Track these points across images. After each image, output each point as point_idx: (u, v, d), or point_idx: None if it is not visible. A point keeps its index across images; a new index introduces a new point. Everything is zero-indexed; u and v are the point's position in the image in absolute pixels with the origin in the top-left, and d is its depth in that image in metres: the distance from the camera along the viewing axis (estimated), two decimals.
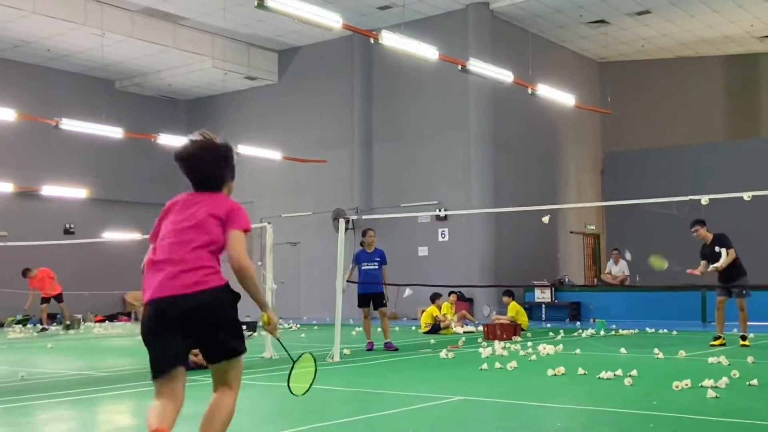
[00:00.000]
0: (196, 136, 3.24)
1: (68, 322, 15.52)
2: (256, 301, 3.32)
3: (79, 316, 18.26)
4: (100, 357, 10.03)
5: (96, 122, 16.31)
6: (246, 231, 3.26)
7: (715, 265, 9.17)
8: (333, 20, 10.38)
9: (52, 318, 17.11)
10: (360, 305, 10.00)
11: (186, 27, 18.94)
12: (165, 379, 3.33)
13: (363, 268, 9.85)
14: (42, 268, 15.25)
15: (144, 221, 21.66)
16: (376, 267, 9.84)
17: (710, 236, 9.34)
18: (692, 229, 9.43)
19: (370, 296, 9.84)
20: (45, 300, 15.30)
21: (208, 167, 3.21)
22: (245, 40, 20.21)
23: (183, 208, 3.22)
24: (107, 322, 19.10)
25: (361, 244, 10.07)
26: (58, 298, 15.42)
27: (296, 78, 21.03)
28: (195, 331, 3.18)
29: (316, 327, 15.38)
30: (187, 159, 3.20)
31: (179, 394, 3.35)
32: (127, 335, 14.15)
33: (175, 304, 3.09)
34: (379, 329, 10.25)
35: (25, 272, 15.03)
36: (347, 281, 9.55)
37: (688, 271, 9.38)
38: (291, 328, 15.13)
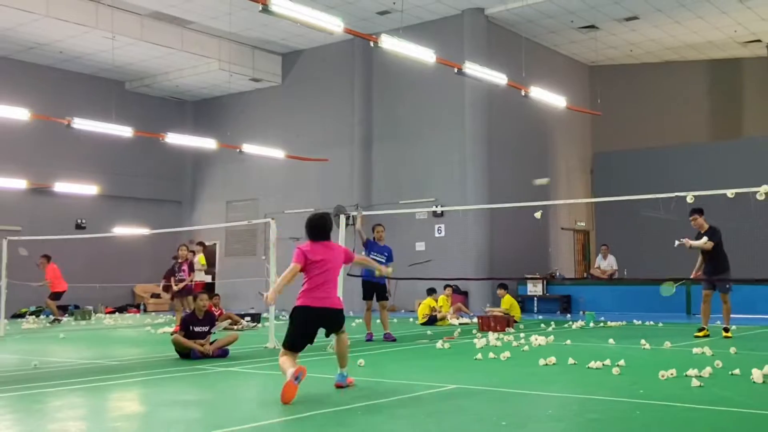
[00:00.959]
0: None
1: (57, 318, 15.34)
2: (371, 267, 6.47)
3: (90, 307, 18.27)
4: (110, 347, 10.03)
5: (106, 122, 16.28)
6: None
7: (692, 241, 9.21)
8: (334, 24, 10.35)
9: (64, 309, 17.09)
10: (364, 297, 9.94)
11: (193, 30, 18.89)
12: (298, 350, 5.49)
13: (372, 256, 9.84)
14: (53, 264, 15.15)
15: (152, 217, 21.88)
16: (383, 260, 9.84)
17: (706, 226, 9.38)
18: (690, 217, 9.44)
19: (374, 286, 9.80)
20: (54, 296, 15.20)
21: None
22: (250, 43, 20.17)
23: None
24: (117, 313, 19.10)
25: (373, 238, 10.07)
26: (57, 295, 15.14)
27: (299, 80, 21.00)
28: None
29: None
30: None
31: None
32: (136, 326, 14.14)
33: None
34: (378, 321, 10.25)
35: (46, 258, 14.99)
36: (358, 276, 9.54)
37: (677, 242, 9.35)
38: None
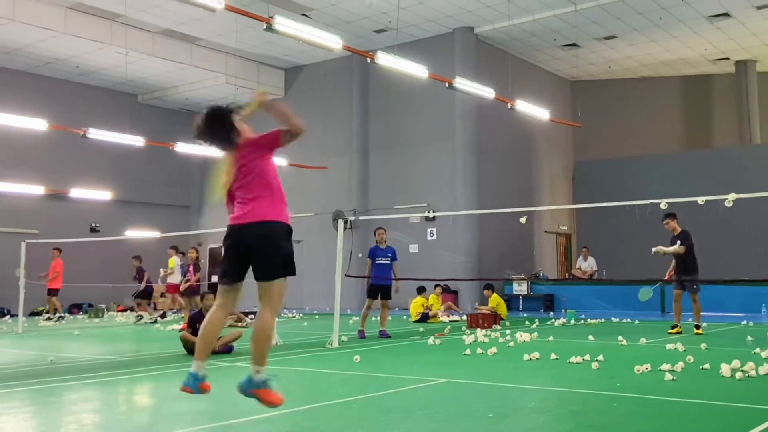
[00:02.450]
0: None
1: (49, 316, 15.17)
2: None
3: (103, 306, 18.20)
4: (122, 343, 9.98)
5: (120, 132, 16.24)
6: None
7: (665, 248, 9.25)
8: (334, 42, 10.37)
9: (78, 308, 17.00)
10: (369, 296, 9.87)
11: (202, 47, 18.89)
12: (227, 288, 3.90)
13: (377, 262, 9.82)
14: (59, 260, 14.97)
15: (162, 221, 21.81)
16: (388, 262, 9.84)
17: (679, 230, 9.41)
18: (664, 221, 9.47)
19: (380, 287, 9.78)
20: (52, 293, 15.03)
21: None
22: (255, 59, 20.16)
23: None
24: (129, 311, 19.00)
25: (376, 242, 10.06)
26: (55, 292, 14.92)
27: (301, 93, 20.99)
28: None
29: (317, 316, 15.35)
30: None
31: (231, 305, 3.94)
32: (147, 324, 14.08)
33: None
34: (374, 318, 10.23)
35: (56, 250, 14.89)
36: (361, 276, 9.51)
37: (654, 249, 9.38)
38: (295, 317, 15.10)
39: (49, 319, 14.85)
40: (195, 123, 3.96)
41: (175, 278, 15.21)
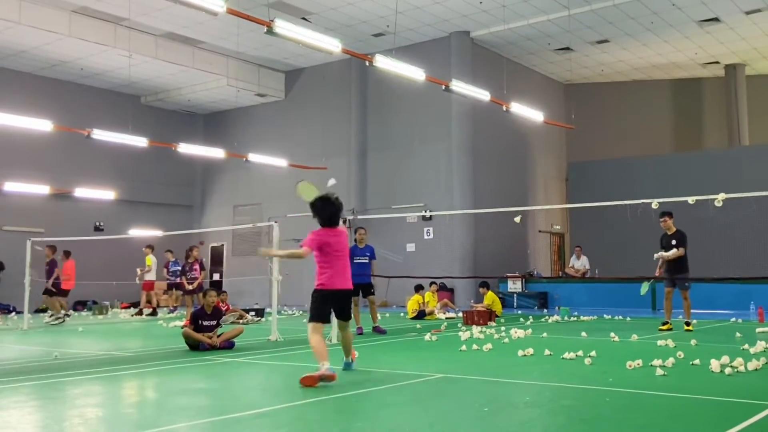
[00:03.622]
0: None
1: (51, 314, 15.00)
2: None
3: (107, 303, 18.16)
4: (126, 339, 9.96)
5: (123, 133, 16.21)
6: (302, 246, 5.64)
7: (664, 253, 9.22)
8: (333, 45, 10.36)
9: (83, 305, 16.95)
10: (363, 294, 9.83)
11: (203, 50, 18.86)
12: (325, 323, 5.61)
13: (355, 261, 9.81)
14: (71, 261, 14.81)
15: (165, 220, 21.79)
16: (366, 261, 9.84)
17: (674, 229, 9.37)
18: (661, 219, 9.43)
19: (360, 286, 9.77)
20: (63, 293, 14.84)
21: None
22: (256, 61, 20.15)
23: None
24: (132, 308, 18.97)
25: (355, 241, 10.06)
26: (64, 292, 14.26)
27: (300, 95, 20.98)
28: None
29: None
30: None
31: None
32: (149, 320, 14.06)
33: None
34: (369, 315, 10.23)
35: (66, 254, 14.73)
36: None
37: (656, 255, 9.37)
38: (294, 314, 15.09)
39: (57, 318, 14.73)
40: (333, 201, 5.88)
41: (151, 275, 15.20)
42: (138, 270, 15.58)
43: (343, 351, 5.79)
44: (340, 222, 5.82)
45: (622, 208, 10.43)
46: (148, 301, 15.86)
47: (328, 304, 5.56)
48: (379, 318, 10.25)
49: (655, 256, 9.28)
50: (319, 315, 5.50)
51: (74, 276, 14.53)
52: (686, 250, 9.29)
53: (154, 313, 15.33)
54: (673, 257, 9.18)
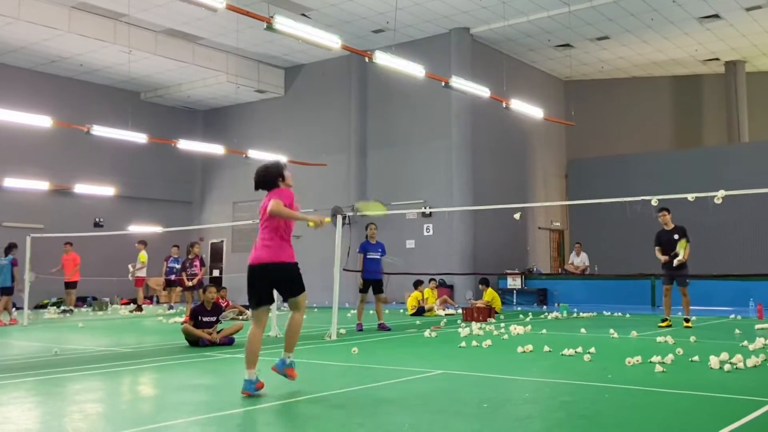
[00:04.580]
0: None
1: (66, 308, 15.18)
2: (299, 220, 4.75)
3: (107, 299, 18.16)
4: (125, 335, 9.97)
5: (123, 129, 16.20)
6: (282, 201, 4.57)
7: (679, 258, 9.12)
8: (333, 42, 10.34)
9: (83, 301, 16.96)
10: (362, 290, 9.83)
11: (203, 46, 18.82)
12: (258, 310, 4.69)
13: (368, 257, 9.80)
14: (74, 253, 14.96)
15: (164, 216, 21.78)
16: (379, 257, 9.83)
17: (672, 224, 9.36)
18: (659, 213, 9.41)
19: (373, 282, 9.76)
20: (69, 286, 14.99)
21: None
22: (255, 58, 20.11)
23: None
24: (132, 304, 18.98)
25: (366, 237, 10.03)
26: (72, 285, 14.81)
27: (300, 92, 20.95)
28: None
29: (316, 309, 15.35)
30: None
31: (265, 321, 4.77)
32: (149, 316, 14.06)
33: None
34: (371, 312, 10.23)
35: (66, 245, 14.85)
36: (356, 270, 9.50)
37: (675, 261, 9.21)
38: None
39: (69, 311, 14.90)
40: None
41: (143, 272, 15.22)
42: (130, 266, 15.59)
43: (285, 344, 4.76)
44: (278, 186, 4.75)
45: (621, 205, 10.43)
46: (137, 299, 15.89)
47: (255, 284, 4.64)
48: (384, 313, 10.23)
49: (675, 261, 9.08)
50: (250, 300, 4.65)
51: (75, 268, 14.63)
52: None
53: (139, 309, 15.36)
54: (688, 255, 9.11)
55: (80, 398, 4.75)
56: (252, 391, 4.48)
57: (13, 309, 13.02)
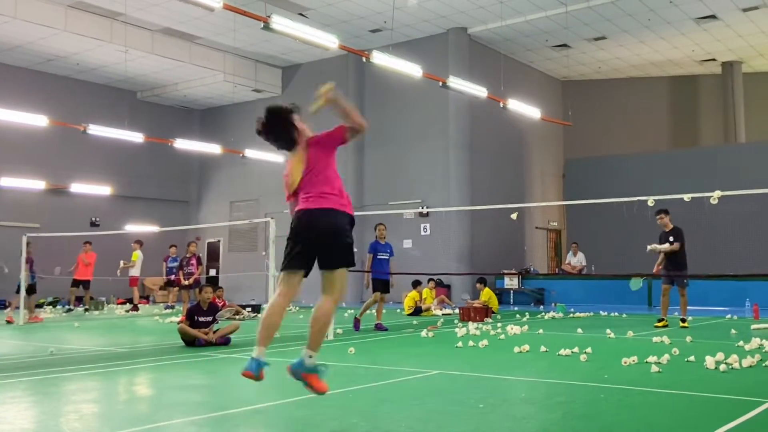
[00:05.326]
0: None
1: (87, 307, 15.29)
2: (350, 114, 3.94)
3: (103, 299, 18.12)
4: (122, 335, 9.95)
5: (119, 128, 16.16)
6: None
7: (659, 246, 9.23)
8: (330, 41, 10.34)
9: (79, 300, 16.91)
10: (377, 290, 9.74)
11: (200, 45, 18.80)
12: (293, 275, 3.67)
13: (378, 257, 9.79)
14: (90, 252, 14.83)
15: (161, 216, 21.74)
16: (387, 257, 9.82)
17: (671, 226, 9.38)
18: (657, 216, 9.44)
19: (380, 282, 9.73)
20: (75, 283, 14.99)
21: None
22: (252, 57, 20.09)
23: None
24: (128, 304, 18.94)
25: (376, 237, 10.00)
26: (85, 284, 14.90)
27: (297, 91, 20.93)
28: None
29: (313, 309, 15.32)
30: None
31: (292, 291, 3.72)
32: (145, 316, 14.04)
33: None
34: (371, 311, 10.23)
35: (85, 243, 14.75)
36: (361, 270, 9.47)
37: (648, 248, 9.34)
38: (291, 310, 15.08)
39: (87, 310, 14.97)
40: (257, 122, 3.88)
41: (136, 271, 15.22)
42: (121, 262, 15.58)
43: (308, 339, 3.68)
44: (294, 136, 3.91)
45: (618, 205, 10.46)
46: (133, 299, 15.88)
47: (296, 239, 3.64)
48: (384, 312, 10.23)
49: (648, 248, 9.30)
50: (287, 259, 3.66)
51: (81, 266, 14.65)
52: (684, 247, 9.29)
53: (135, 309, 15.36)
54: (667, 251, 9.19)
55: (76, 398, 4.74)
56: (255, 372, 3.52)
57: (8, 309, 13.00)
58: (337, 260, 3.64)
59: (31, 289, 12.37)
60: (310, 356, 3.54)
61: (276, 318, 3.61)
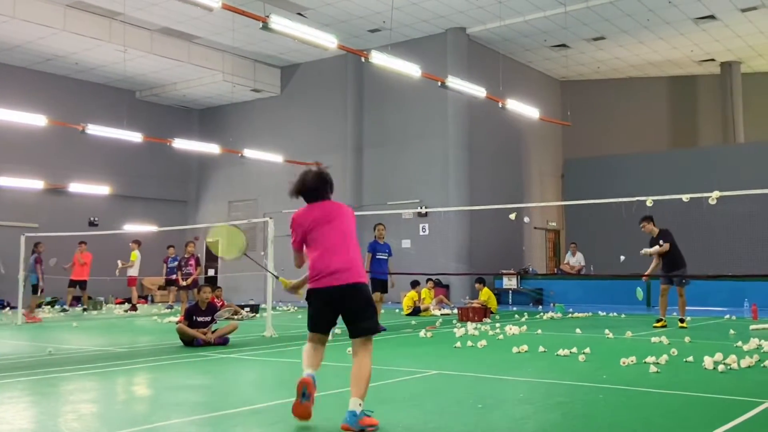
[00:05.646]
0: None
1: (85, 306, 15.28)
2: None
3: (101, 298, 18.11)
4: (120, 335, 9.94)
5: (118, 128, 16.14)
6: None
7: (650, 249, 9.23)
8: (329, 41, 10.34)
9: (77, 300, 16.90)
10: (375, 290, 9.64)
11: (199, 45, 18.79)
12: (322, 336, 3.99)
13: (377, 257, 9.77)
14: (86, 252, 14.76)
15: (159, 215, 21.75)
16: (386, 258, 9.80)
17: (656, 230, 9.37)
18: (640, 225, 9.45)
19: (378, 282, 9.72)
20: (71, 284, 14.94)
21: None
22: (251, 57, 20.08)
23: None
24: (126, 303, 18.92)
25: (375, 237, 9.97)
26: (82, 284, 14.76)
27: (296, 91, 20.93)
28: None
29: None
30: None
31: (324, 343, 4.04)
32: (144, 316, 14.04)
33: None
34: None
35: (80, 243, 14.70)
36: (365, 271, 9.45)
37: (642, 252, 9.38)
38: (289, 310, 15.09)
39: (85, 310, 14.96)
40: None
41: (135, 271, 15.21)
42: (119, 262, 15.57)
43: (353, 391, 3.70)
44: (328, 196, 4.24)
45: (617, 205, 10.47)
46: (132, 299, 15.86)
47: (320, 308, 3.89)
48: (382, 312, 10.23)
49: (641, 252, 9.31)
50: (311, 323, 3.94)
51: (77, 266, 14.60)
52: (673, 246, 9.27)
53: (133, 309, 15.34)
54: (659, 252, 9.19)
55: (74, 398, 4.74)
56: (312, 381, 3.71)
57: (7, 309, 13.02)
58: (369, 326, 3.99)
59: (36, 289, 12.46)
60: (360, 405, 3.72)
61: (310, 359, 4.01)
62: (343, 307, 3.82)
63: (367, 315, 3.86)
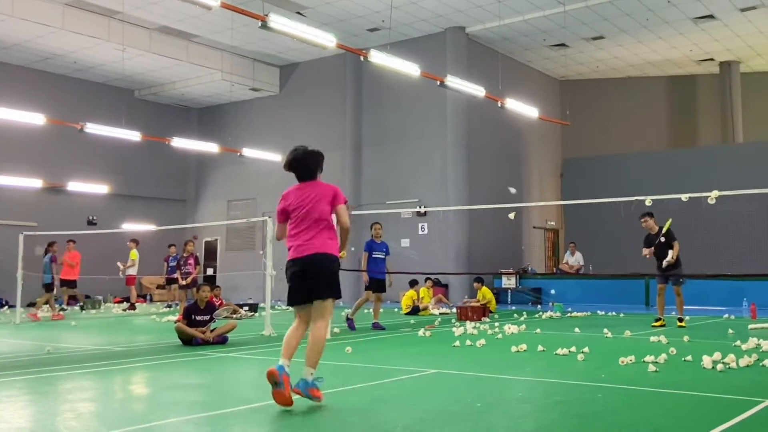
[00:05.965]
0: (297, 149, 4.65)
1: (82, 304, 15.26)
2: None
3: (100, 297, 18.10)
4: (118, 334, 9.93)
5: (117, 126, 16.13)
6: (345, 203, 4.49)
7: (668, 260, 9.08)
8: (328, 40, 10.33)
9: (75, 300, 16.88)
10: (371, 288, 9.71)
11: (198, 44, 18.77)
12: (299, 308, 4.32)
13: (374, 256, 9.75)
14: (73, 251, 14.58)
15: (158, 214, 21.72)
16: (383, 257, 9.79)
17: (656, 227, 9.35)
18: (641, 219, 9.40)
19: (377, 281, 9.71)
20: (62, 284, 14.73)
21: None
22: (250, 56, 20.07)
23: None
24: (125, 302, 18.91)
25: (372, 236, 9.97)
26: (70, 284, 14.28)
27: (295, 90, 20.92)
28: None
29: None
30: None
31: (307, 320, 4.32)
32: (143, 314, 14.03)
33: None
34: (366, 311, 10.22)
35: (68, 242, 14.61)
36: (355, 270, 9.44)
37: (665, 262, 9.20)
38: (288, 309, 15.08)
39: (83, 308, 14.96)
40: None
41: (133, 270, 15.19)
42: (120, 264, 15.55)
43: (306, 360, 4.16)
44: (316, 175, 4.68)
45: (616, 205, 10.47)
46: (130, 298, 15.85)
47: (291, 279, 4.26)
48: (381, 311, 10.22)
49: (664, 262, 9.07)
50: (288, 297, 4.31)
51: (68, 266, 14.47)
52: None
53: (132, 308, 15.32)
54: (677, 254, 9.07)
55: (73, 397, 4.73)
56: (279, 372, 3.99)
57: (5, 308, 13.01)
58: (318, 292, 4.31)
59: (49, 288, 12.57)
60: (311, 374, 4.12)
61: (291, 341, 4.34)
62: (308, 274, 4.22)
63: (323, 280, 4.23)
